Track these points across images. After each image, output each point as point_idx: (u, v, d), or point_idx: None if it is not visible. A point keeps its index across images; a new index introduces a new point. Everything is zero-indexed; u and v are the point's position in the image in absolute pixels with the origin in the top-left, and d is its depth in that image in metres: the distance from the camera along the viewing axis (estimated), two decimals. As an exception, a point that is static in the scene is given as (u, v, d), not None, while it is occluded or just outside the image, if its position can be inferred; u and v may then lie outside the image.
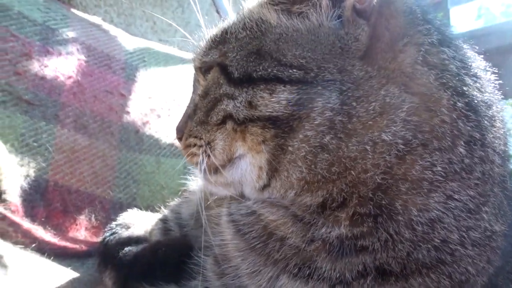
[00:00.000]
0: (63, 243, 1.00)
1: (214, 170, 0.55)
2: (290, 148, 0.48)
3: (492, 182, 0.49)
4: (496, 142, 0.50)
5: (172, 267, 0.68)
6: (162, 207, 1.08)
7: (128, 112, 1.39)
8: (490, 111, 0.51)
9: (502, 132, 0.52)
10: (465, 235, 0.47)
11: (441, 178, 0.46)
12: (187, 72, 1.72)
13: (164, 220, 0.98)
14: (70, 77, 1.28)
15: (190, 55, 1.88)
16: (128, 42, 1.58)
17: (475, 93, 0.50)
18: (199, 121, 0.56)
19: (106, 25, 1.56)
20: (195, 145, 0.57)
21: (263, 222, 0.56)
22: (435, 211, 0.46)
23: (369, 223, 0.48)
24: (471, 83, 0.50)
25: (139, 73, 1.51)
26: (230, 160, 0.53)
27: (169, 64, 1.67)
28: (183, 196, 1.01)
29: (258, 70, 0.51)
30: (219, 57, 0.55)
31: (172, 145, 1.47)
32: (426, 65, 0.48)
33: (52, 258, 0.93)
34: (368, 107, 0.46)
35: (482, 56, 0.59)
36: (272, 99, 0.49)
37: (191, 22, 2.35)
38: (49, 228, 1.01)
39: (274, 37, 0.51)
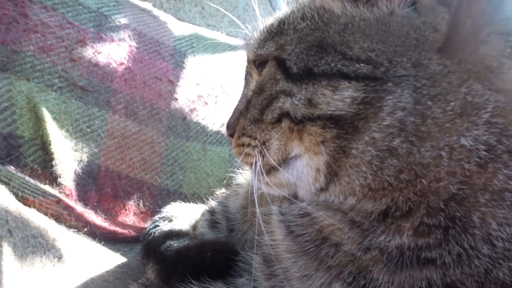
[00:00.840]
0: (113, 227, 1.03)
1: (268, 170, 0.52)
2: (353, 151, 0.44)
3: None
4: None
5: (219, 270, 0.68)
6: (209, 198, 1.08)
7: (176, 99, 1.40)
8: None
9: None
10: None
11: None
12: (235, 59, 1.71)
13: (211, 212, 0.98)
14: (121, 64, 1.30)
15: (237, 41, 1.86)
16: (177, 28, 1.59)
17: None
18: (252, 119, 0.53)
19: (156, 11, 1.57)
20: (249, 144, 0.53)
21: (317, 225, 0.53)
22: None
23: (437, 235, 0.43)
24: None
25: (187, 59, 1.51)
26: (285, 161, 0.50)
27: (217, 51, 1.66)
28: (231, 189, 1.01)
29: (320, 64, 0.46)
30: (276, 50, 0.50)
31: (218, 132, 1.47)
32: None
33: (102, 242, 0.96)
34: (446, 107, 0.41)
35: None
36: (335, 97, 0.44)
37: (239, 6, 2.32)
38: (100, 213, 1.05)
39: (339, 27, 0.46)
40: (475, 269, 0.42)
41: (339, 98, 0.44)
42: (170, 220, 0.92)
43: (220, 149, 1.45)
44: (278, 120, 0.50)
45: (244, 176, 0.98)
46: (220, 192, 1.11)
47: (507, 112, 0.41)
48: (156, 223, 0.90)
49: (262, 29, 0.56)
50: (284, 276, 0.56)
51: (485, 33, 0.43)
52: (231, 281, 0.66)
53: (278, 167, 0.50)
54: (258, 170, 0.51)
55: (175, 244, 0.80)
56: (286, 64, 0.49)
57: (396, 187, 0.44)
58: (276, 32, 0.52)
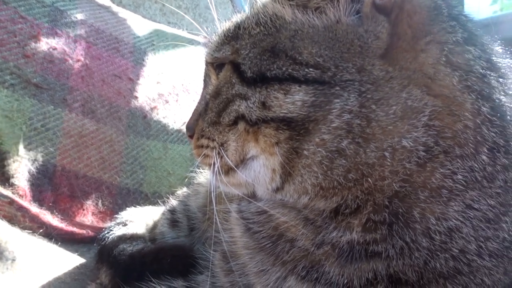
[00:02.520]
0: (70, 228, 1.01)
1: (226, 171, 0.54)
2: (305, 152, 0.46)
3: None
4: None
5: (178, 272, 0.68)
6: (170, 198, 1.07)
7: (136, 97, 1.38)
8: None
9: None
10: (483, 246, 0.45)
11: (461, 187, 0.44)
12: (196, 55, 1.71)
13: (172, 211, 0.98)
14: (78, 61, 1.26)
15: (199, 38, 1.85)
16: (137, 25, 1.56)
17: (501, 96, 0.47)
18: (210, 122, 0.54)
19: (115, 7, 1.54)
20: (207, 146, 0.55)
21: (273, 222, 0.55)
22: (454, 220, 0.45)
23: (383, 230, 0.46)
24: (497, 85, 0.47)
25: (147, 57, 1.49)
26: (243, 161, 0.51)
27: (178, 48, 1.65)
28: (192, 188, 1.01)
29: (272, 69, 0.48)
30: (232, 54, 0.52)
31: (179, 131, 1.46)
32: (449, 65, 0.45)
33: (59, 243, 0.94)
34: (388, 110, 0.44)
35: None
36: (286, 100, 0.46)
37: (200, 4, 2.31)
38: (56, 213, 1.02)
39: (289, 34, 0.48)
40: (415, 261, 0.45)
41: (290, 101, 0.46)
42: (125, 225, 0.91)
43: (182, 148, 1.45)
44: (235, 122, 0.51)
45: (204, 175, 0.99)
46: (182, 191, 1.10)
47: (444, 116, 0.44)
48: (110, 229, 0.89)
49: (220, 32, 0.57)
50: (241, 271, 0.58)
51: (424, 42, 0.46)
52: (191, 278, 0.67)
53: (236, 168, 0.52)
54: (217, 171, 0.53)
55: (128, 248, 0.80)
56: (241, 68, 0.50)
57: (345, 186, 0.46)
58: (232, 36, 0.54)
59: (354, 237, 0.48)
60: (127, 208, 1.15)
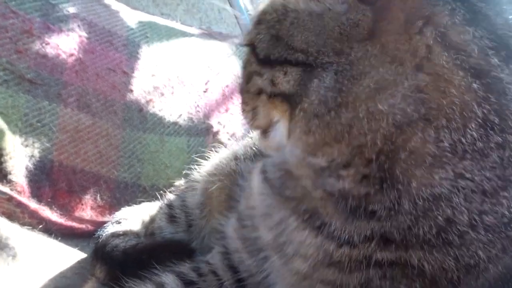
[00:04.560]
0: (70, 223, 1.02)
1: (262, 131, 0.60)
2: (295, 118, 0.52)
3: None
4: None
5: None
6: (167, 192, 1.07)
7: (131, 91, 1.37)
8: None
9: None
10: (477, 219, 0.45)
11: (450, 155, 0.45)
12: (191, 47, 1.70)
13: (169, 206, 0.98)
14: (71, 55, 1.26)
15: (193, 30, 1.84)
16: (130, 17, 1.55)
17: (502, 75, 0.46)
18: (244, 90, 0.60)
19: (107, 0, 1.53)
20: (244, 110, 0.61)
21: (287, 164, 0.59)
22: (440, 188, 0.45)
23: (375, 186, 0.48)
24: (500, 64, 0.47)
25: (141, 49, 1.48)
26: (271, 124, 0.58)
27: (172, 39, 1.64)
28: (188, 183, 1.01)
29: (274, 53, 0.53)
30: (254, 37, 0.57)
31: (176, 123, 1.46)
32: (443, 46, 0.46)
33: (59, 238, 0.94)
34: (362, 83, 0.47)
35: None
36: (284, 79, 0.52)
37: (194, -6, 2.30)
38: (55, 208, 1.03)
39: (290, 21, 0.53)
40: (400, 224, 0.47)
41: (286, 80, 0.52)
42: (119, 223, 0.92)
43: (178, 140, 1.45)
44: (258, 93, 0.57)
45: (200, 171, 0.99)
46: (179, 182, 1.11)
47: (429, 90, 0.46)
48: (104, 227, 0.90)
49: (253, 16, 0.61)
50: (250, 215, 0.65)
51: (418, 25, 0.47)
52: (198, 259, 0.71)
53: (267, 129, 0.59)
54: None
55: (121, 244, 0.81)
56: (256, 50, 0.56)
57: (328, 144, 0.50)
58: (258, 21, 0.58)
59: (346, 187, 0.50)
60: (126, 202, 1.17)
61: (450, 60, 0.45)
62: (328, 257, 0.52)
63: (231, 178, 0.91)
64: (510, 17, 0.51)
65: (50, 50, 1.21)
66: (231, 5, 1.74)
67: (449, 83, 0.45)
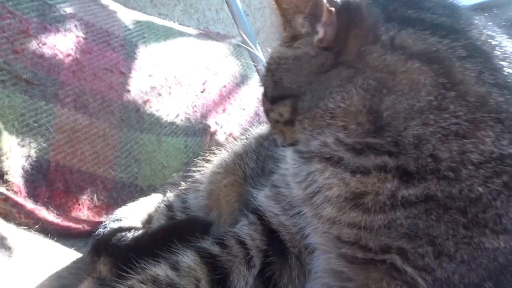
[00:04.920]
0: (66, 223, 1.02)
1: (290, 144, 0.71)
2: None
3: (489, 110, 0.51)
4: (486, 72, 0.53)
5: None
6: (166, 190, 1.07)
7: (128, 91, 1.37)
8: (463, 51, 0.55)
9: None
10: (462, 156, 0.50)
11: (414, 112, 0.52)
12: (188, 47, 1.70)
13: (169, 207, 0.97)
14: (69, 55, 1.26)
15: (190, 30, 1.84)
16: (127, 17, 1.55)
17: (440, 46, 0.55)
18: (268, 121, 0.74)
19: (104, 0, 1.53)
20: (275, 133, 0.74)
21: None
22: (415, 131, 0.52)
23: (372, 136, 0.56)
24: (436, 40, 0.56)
25: (139, 50, 1.48)
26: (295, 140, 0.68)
27: (169, 40, 1.64)
28: (190, 183, 1.00)
29: (276, 94, 0.68)
30: (264, 83, 0.71)
31: (173, 123, 1.46)
32: (391, 48, 0.56)
33: (55, 238, 0.94)
34: (330, 100, 0.59)
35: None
36: (285, 110, 0.66)
37: (192, -6, 2.30)
38: (52, 209, 1.02)
39: (282, 67, 0.67)
40: (408, 157, 0.54)
41: (286, 110, 0.66)
42: (120, 220, 0.91)
43: (175, 140, 1.45)
44: (277, 122, 0.70)
45: (202, 171, 0.99)
46: (176, 178, 1.10)
47: (387, 81, 0.56)
48: (105, 225, 0.90)
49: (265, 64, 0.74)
50: (284, 179, 0.75)
51: (368, 50, 0.58)
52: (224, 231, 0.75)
53: (292, 144, 0.70)
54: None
55: (128, 234, 0.80)
56: (267, 94, 0.70)
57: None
58: (266, 68, 0.71)
59: (346, 141, 0.59)
60: (123, 202, 1.17)
61: (399, 56, 0.55)
62: (349, 192, 0.57)
63: (239, 174, 0.92)
64: None
65: (47, 50, 1.21)
66: (228, 6, 1.74)
67: (402, 71, 0.54)
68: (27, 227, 0.93)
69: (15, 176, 1.00)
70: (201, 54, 1.71)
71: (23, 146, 1.06)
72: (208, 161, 1.00)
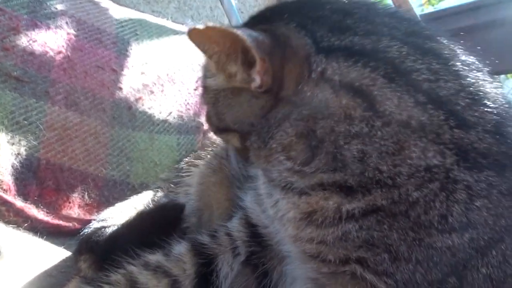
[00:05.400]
0: (56, 221, 1.01)
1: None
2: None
3: (412, 130, 0.54)
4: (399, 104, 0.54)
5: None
6: (158, 191, 1.06)
7: (120, 88, 1.37)
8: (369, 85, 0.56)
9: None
10: (395, 169, 0.53)
11: (352, 134, 0.55)
12: (181, 44, 1.69)
13: None
14: (59, 52, 1.25)
15: (184, 28, 1.83)
16: (120, 14, 1.54)
17: (362, 80, 0.56)
18: None
19: (96, -3, 1.52)
20: None
21: None
22: (358, 146, 0.55)
23: (308, 155, 0.59)
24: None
25: (131, 47, 1.47)
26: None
27: (162, 37, 1.63)
28: (179, 188, 1.00)
29: (220, 126, 0.68)
30: (205, 104, 0.70)
31: (165, 121, 1.46)
32: (322, 86, 0.56)
33: (44, 237, 0.94)
34: (274, 142, 0.60)
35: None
36: (234, 140, 0.67)
37: (186, -8, 2.29)
38: (42, 207, 1.02)
39: (222, 103, 0.65)
40: (351, 172, 0.57)
41: (235, 141, 0.66)
42: (105, 220, 0.91)
43: (168, 138, 1.45)
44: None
45: (192, 175, 0.98)
46: (166, 175, 1.10)
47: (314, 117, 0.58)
48: (90, 225, 0.90)
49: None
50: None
51: (300, 86, 0.58)
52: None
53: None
54: None
55: (107, 230, 0.81)
56: (210, 118, 0.70)
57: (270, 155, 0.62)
58: (206, 95, 0.69)
59: (288, 166, 0.60)
60: (114, 200, 1.16)
61: (329, 90, 0.56)
62: (301, 212, 0.59)
63: (226, 173, 0.93)
64: None
65: (37, 48, 1.20)
66: (222, 3, 1.74)
67: (334, 106, 0.56)
68: (16, 226, 0.92)
69: (5, 174, 1.00)
70: (195, 52, 1.71)
71: (12, 144, 1.05)
72: (195, 165, 1.00)
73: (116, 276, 0.68)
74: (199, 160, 1.00)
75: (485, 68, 0.62)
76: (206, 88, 0.67)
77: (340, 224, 0.56)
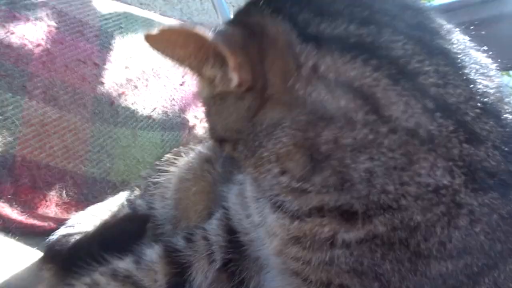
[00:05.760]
0: (31, 220, 0.98)
1: None
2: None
3: (421, 142, 0.48)
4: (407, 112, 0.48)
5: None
6: (135, 190, 1.03)
7: (102, 83, 1.33)
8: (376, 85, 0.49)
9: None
10: (403, 188, 0.48)
11: (358, 146, 0.48)
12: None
13: (133, 209, 0.93)
14: (39, 45, 1.21)
15: (172, 21, 1.79)
16: (104, 6, 1.50)
17: (362, 80, 0.49)
18: None
19: (79, -12, 1.47)
20: None
21: None
22: (365, 164, 0.49)
23: (306, 170, 0.52)
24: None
25: (114, 40, 1.43)
26: None
27: (148, 30, 1.59)
28: (156, 189, 0.96)
29: (213, 137, 0.64)
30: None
31: (149, 117, 1.42)
32: (314, 79, 0.49)
33: (17, 237, 0.91)
34: (265, 151, 0.53)
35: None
36: (229, 148, 0.60)
37: (175, -16, 2.24)
38: (16, 205, 0.99)
39: (213, 110, 0.61)
40: (355, 194, 0.52)
41: (230, 149, 0.60)
42: (72, 227, 0.88)
43: (152, 135, 1.42)
44: None
45: (168, 178, 0.94)
46: (146, 173, 1.06)
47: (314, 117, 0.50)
48: (55, 232, 0.86)
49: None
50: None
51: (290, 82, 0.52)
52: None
53: None
54: None
55: (72, 239, 0.78)
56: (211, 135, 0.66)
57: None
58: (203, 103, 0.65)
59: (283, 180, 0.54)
60: (94, 198, 1.13)
61: (325, 89, 0.49)
62: (290, 235, 0.56)
63: (208, 180, 0.89)
64: None
65: (15, 40, 1.16)
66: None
67: (332, 107, 0.49)
68: (-14, 226, 0.89)
69: (-23, 171, 0.97)
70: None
71: (-14, 140, 1.02)
72: (174, 164, 0.96)
73: (81, 287, 0.65)
74: (179, 158, 0.96)
75: (494, 69, 0.55)
76: (202, 100, 0.62)
77: (330, 250, 0.52)
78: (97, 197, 1.15)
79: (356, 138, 0.48)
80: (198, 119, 1.57)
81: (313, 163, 0.50)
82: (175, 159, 0.97)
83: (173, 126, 1.50)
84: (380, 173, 0.48)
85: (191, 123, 1.54)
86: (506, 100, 0.53)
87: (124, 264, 0.68)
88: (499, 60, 0.58)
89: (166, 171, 0.95)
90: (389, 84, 0.47)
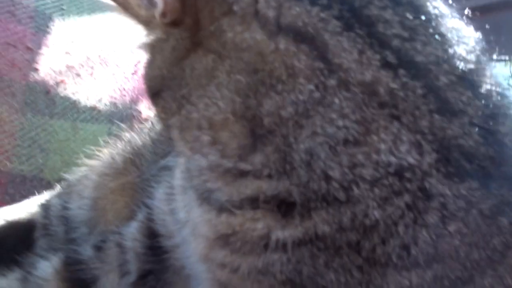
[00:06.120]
0: None
1: None
2: None
3: (380, 104, 0.39)
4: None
5: None
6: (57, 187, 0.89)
7: (36, 70, 1.19)
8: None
9: None
10: (354, 171, 0.39)
11: (301, 113, 0.39)
12: (119, 22, 1.52)
13: (46, 209, 0.80)
14: (-43, 26, 1.07)
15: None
16: (43, -14, 1.35)
17: (307, 19, 0.41)
18: None
19: (13, -36, 1.32)
20: None
21: None
22: (306, 143, 0.40)
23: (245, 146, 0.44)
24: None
25: (53, 23, 1.29)
26: None
27: (95, 14, 1.45)
28: (70, 188, 0.83)
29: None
30: None
31: (94, 108, 1.29)
32: (251, 25, 0.42)
33: None
34: (192, 109, 0.45)
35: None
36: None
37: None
38: None
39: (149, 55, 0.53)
40: (292, 180, 0.44)
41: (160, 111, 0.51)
42: None
43: (96, 128, 1.28)
44: None
45: (87, 175, 0.81)
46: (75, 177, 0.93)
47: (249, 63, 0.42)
48: None
49: None
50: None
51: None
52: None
53: None
54: None
55: None
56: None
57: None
58: None
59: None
60: (22, 198, 1.00)
61: (262, 32, 0.41)
62: (217, 233, 0.47)
63: (133, 174, 0.77)
64: None
65: None
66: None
67: (271, 54, 0.41)
68: None
69: None
70: (135, 32, 1.54)
71: None
72: (96, 156, 0.83)
73: None
74: (103, 149, 0.84)
75: (480, 43, 0.47)
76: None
77: (264, 254, 0.43)
78: (26, 196, 1.01)
79: (299, 100, 0.39)
80: (151, 110, 1.45)
81: (253, 138, 0.42)
82: (98, 151, 0.84)
83: (123, 118, 1.37)
84: (323, 152, 0.39)
85: (143, 115, 1.42)
86: (488, 73, 0.44)
87: (7, 282, 0.56)
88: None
89: (87, 164, 0.82)
90: (339, 26, 0.40)
